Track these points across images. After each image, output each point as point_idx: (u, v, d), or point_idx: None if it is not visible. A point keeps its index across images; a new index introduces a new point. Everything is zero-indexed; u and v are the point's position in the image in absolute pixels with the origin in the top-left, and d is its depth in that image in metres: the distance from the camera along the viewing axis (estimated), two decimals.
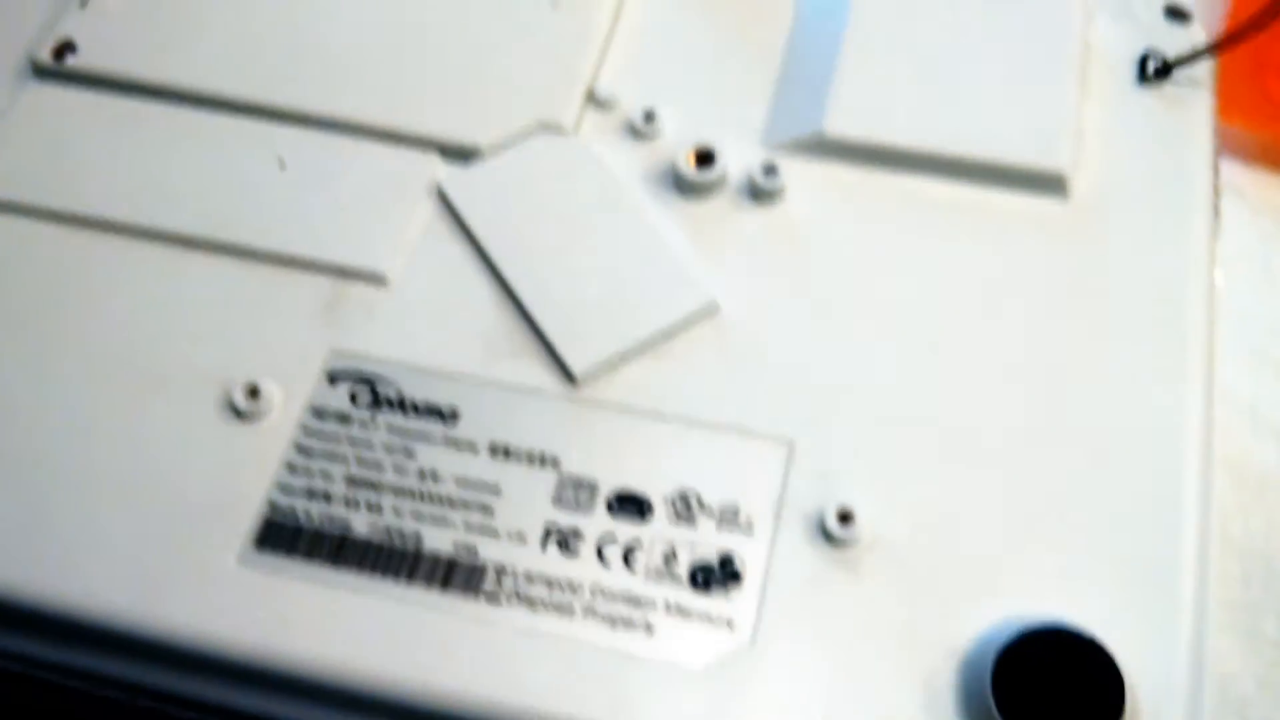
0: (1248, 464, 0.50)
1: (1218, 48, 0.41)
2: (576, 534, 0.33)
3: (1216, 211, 0.41)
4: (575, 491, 0.34)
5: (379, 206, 0.39)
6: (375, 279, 0.37)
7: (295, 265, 0.38)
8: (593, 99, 0.41)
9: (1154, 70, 0.41)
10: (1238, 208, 0.57)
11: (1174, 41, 0.42)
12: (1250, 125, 0.57)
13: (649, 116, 0.40)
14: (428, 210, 0.39)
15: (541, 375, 0.36)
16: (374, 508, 0.34)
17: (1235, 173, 0.58)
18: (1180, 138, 0.40)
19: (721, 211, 0.39)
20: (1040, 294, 0.37)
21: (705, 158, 0.39)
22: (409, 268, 0.38)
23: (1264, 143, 0.57)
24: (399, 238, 0.38)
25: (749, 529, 0.33)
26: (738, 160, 0.39)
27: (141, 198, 0.39)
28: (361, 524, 0.34)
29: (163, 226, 0.38)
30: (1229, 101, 0.57)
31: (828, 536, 0.33)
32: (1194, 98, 0.41)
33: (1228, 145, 0.58)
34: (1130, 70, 0.41)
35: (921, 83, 0.40)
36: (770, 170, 0.39)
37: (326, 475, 0.34)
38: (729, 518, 0.34)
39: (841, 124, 0.39)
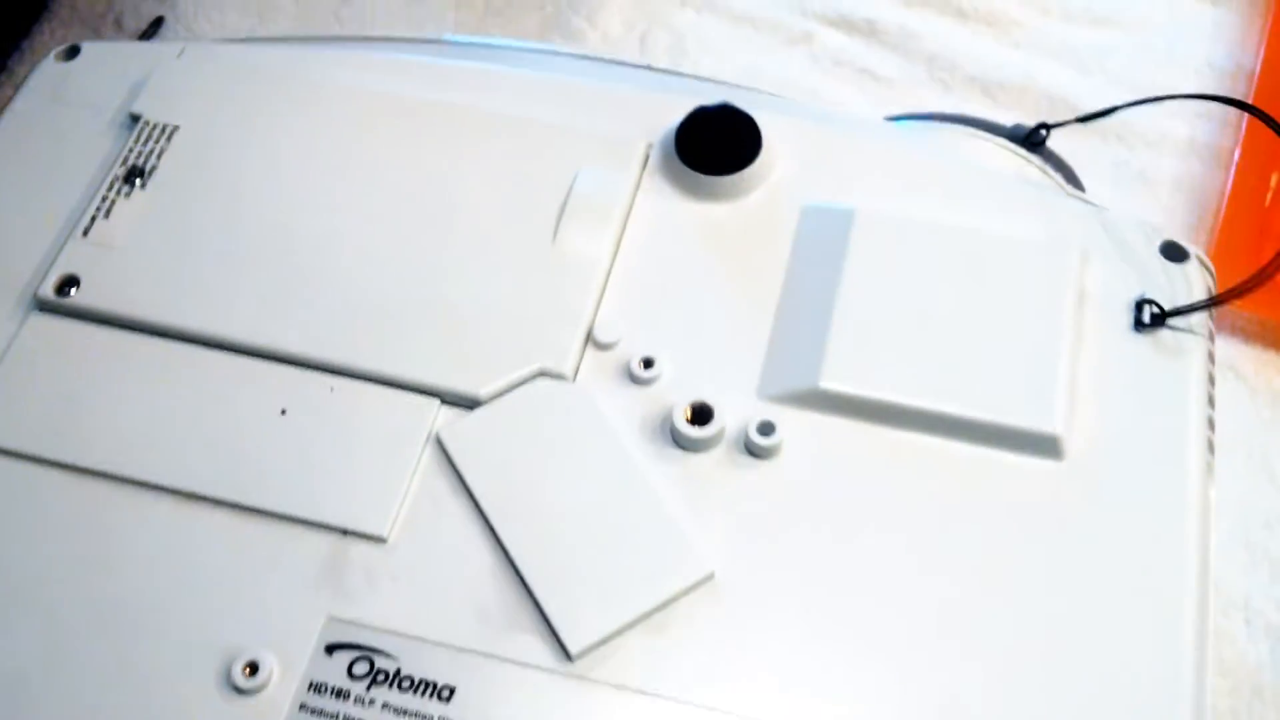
0: (1240, 667, 0.50)
1: (1216, 301, 0.41)
2: None
3: (1211, 448, 0.41)
4: None
5: (379, 459, 0.39)
6: (374, 539, 0.38)
7: (295, 523, 0.38)
8: (592, 340, 0.41)
9: (1150, 317, 0.41)
10: (1235, 389, 0.57)
11: (1171, 281, 0.42)
12: (1249, 305, 0.57)
13: (647, 363, 0.41)
14: (428, 461, 0.39)
15: (538, 650, 0.36)
16: None
17: (1233, 351, 0.58)
18: (1176, 387, 0.41)
19: (717, 466, 0.39)
20: (1036, 554, 0.37)
21: (701, 415, 0.39)
22: (408, 528, 0.38)
23: (1263, 321, 0.58)
24: (398, 496, 0.38)
25: None
26: (734, 414, 0.40)
27: (142, 447, 0.39)
28: None
29: (162, 480, 0.39)
30: (1229, 281, 0.57)
31: None
32: (1190, 344, 0.41)
33: (1226, 323, 0.58)
34: (1127, 315, 0.42)
35: (915, 339, 0.40)
36: (766, 429, 0.39)
37: None
38: None
39: (837, 379, 0.40)
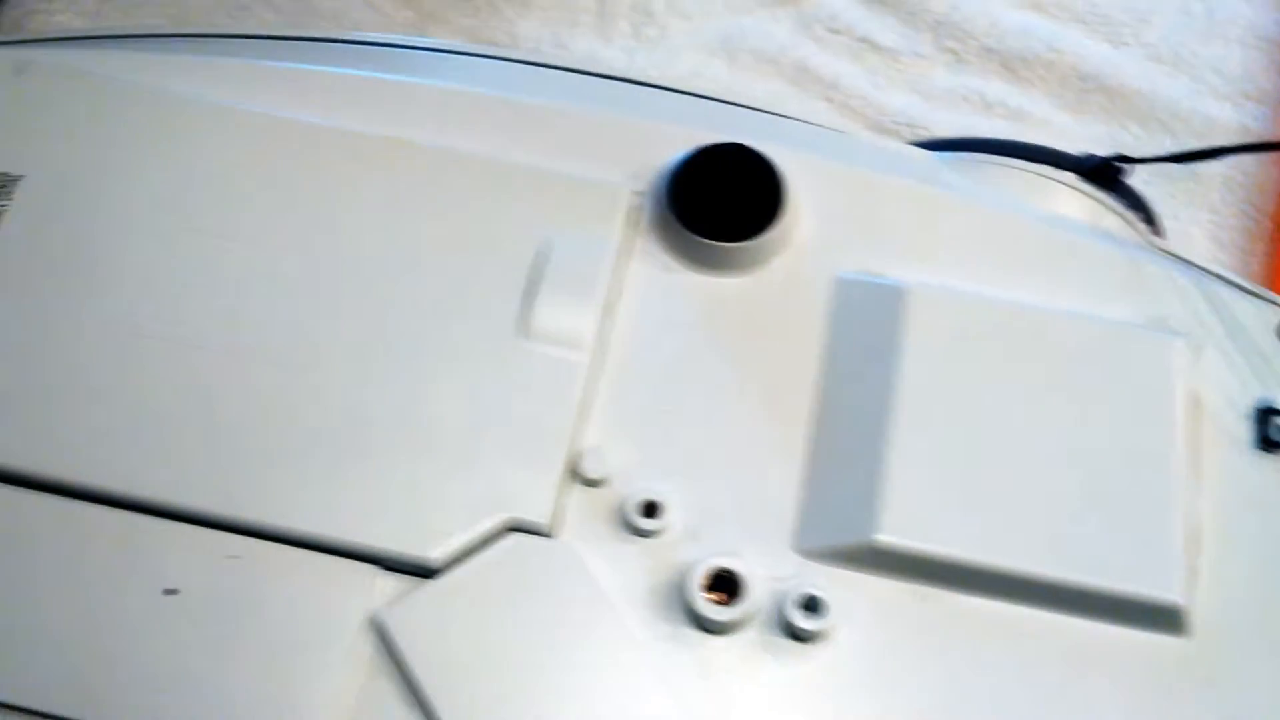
0: None
1: None
2: None
3: None
4: None
5: (300, 658, 0.29)
6: None
7: None
8: (577, 476, 0.32)
9: (1277, 432, 0.33)
10: None
11: None
12: None
13: (650, 509, 0.31)
14: (366, 657, 0.29)
15: None
16: None
17: None
18: None
19: (746, 652, 0.30)
20: None
21: (726, 586, 0.30)
22: None
23: None
24: (327, 712, 0.29)
25: None
26: (765, 577, 0.31)
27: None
28: None
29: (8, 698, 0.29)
30: None
31: None
32: None
33: None
34: (1247, 428, 0.33)
35: (994, 473, 0.31)
36: (812, 607, 0.30)
37: None
38: None
39: (898, 531, 0.31)
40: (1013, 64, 0.56)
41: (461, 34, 0.57)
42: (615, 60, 0.56)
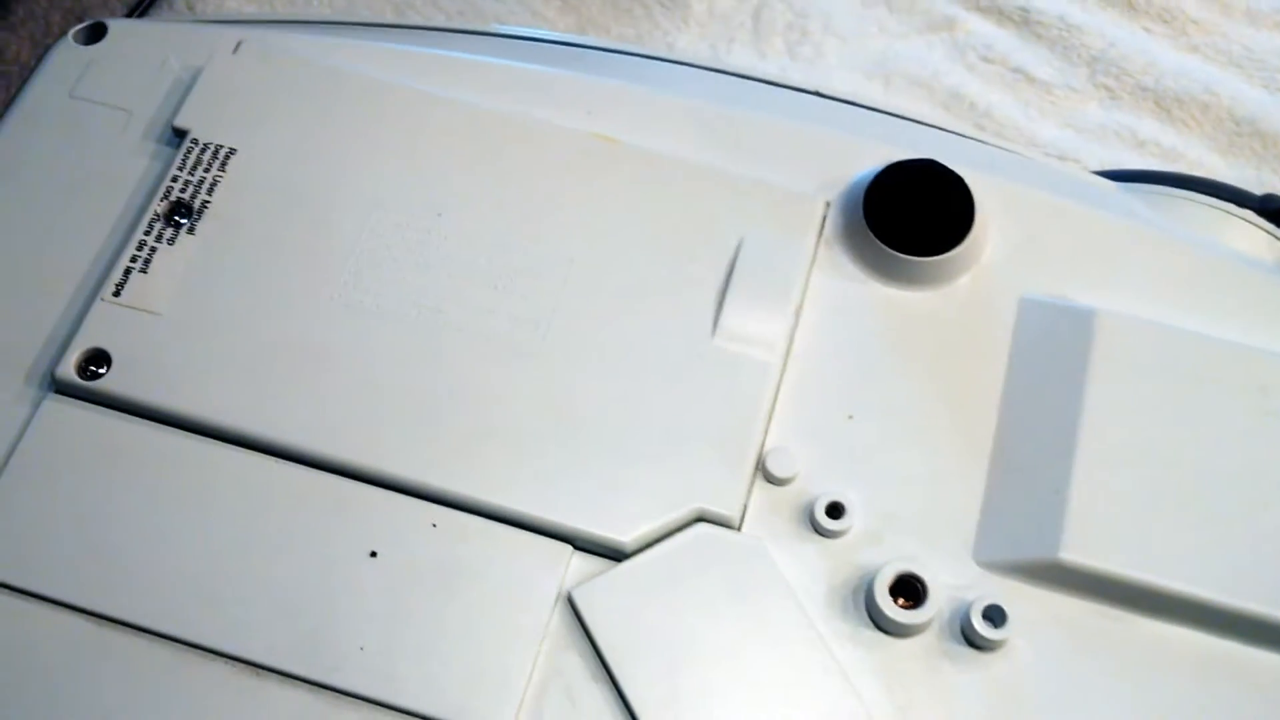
0: None
1: None
2: None
3: None
4: None
5: (495, 625, 0.30)
6: None
7: (383, 710, 0.30)
8: (763, 473, 0.33)
9: None
10: None
11: None
12: None
13: (834, 510, 0.32)
14: (557, 629, 0.30)
15: None
16: None
17: None
18: None
19: (924, 657, 0.31)
20: None
21: (911, 591, 0.31)
22: None
23: None
24: (520, 679, 0.30)
25: None
26: (945, 586, 0.31)
27: (188, 595, 0.30)
28: None
29: (214, 642, 0.30)
30: None
31: None
32: None
33: None
34: None
35: (1184, 497, 0.31)
36: (995, 616, 0.30)
37: None
38: None
39: (1084, 550, 0.31)
40: (1167, 104, 0.56)
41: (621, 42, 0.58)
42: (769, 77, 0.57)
